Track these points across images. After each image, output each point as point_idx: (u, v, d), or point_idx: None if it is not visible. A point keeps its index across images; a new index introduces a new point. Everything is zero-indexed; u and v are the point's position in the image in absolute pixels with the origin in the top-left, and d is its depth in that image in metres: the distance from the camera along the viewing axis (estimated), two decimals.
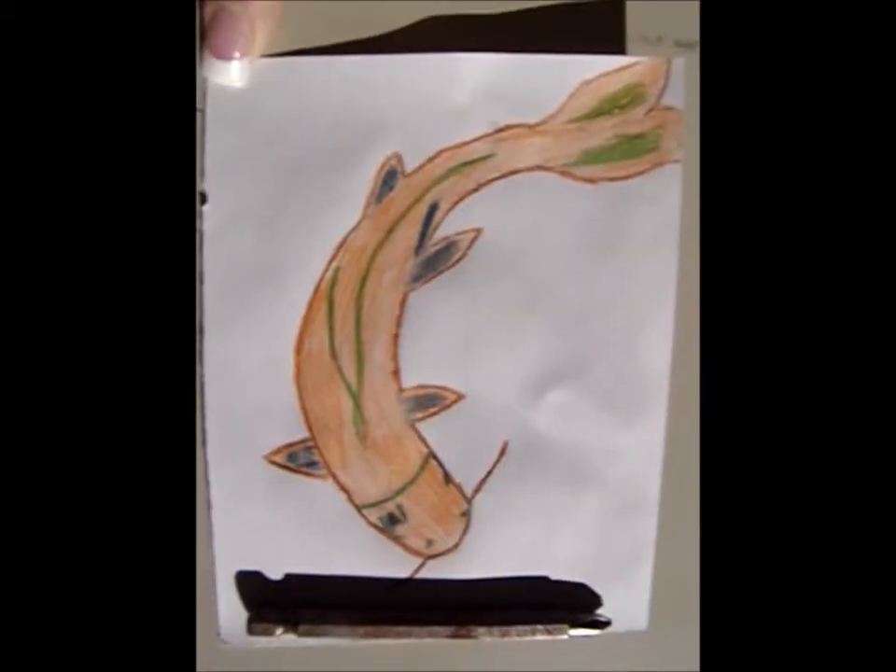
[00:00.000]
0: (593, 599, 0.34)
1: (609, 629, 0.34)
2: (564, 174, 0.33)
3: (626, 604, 0.34)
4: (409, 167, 0.33)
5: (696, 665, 0.35)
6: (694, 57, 0.33)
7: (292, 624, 0.33)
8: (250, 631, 0.33)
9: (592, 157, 0.33)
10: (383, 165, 0.32)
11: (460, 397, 0.33)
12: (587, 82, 0.32)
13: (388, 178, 0.33)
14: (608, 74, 0.32)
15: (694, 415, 0.34)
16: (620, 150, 0.33)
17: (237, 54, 0.31)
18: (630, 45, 0.33)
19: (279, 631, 0.33)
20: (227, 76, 0.32)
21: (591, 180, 0.33)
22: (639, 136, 0.33)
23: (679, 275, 0.33)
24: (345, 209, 0.32)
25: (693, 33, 0.33)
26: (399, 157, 0.32)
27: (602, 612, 0.34)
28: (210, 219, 0.32)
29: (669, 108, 0.32)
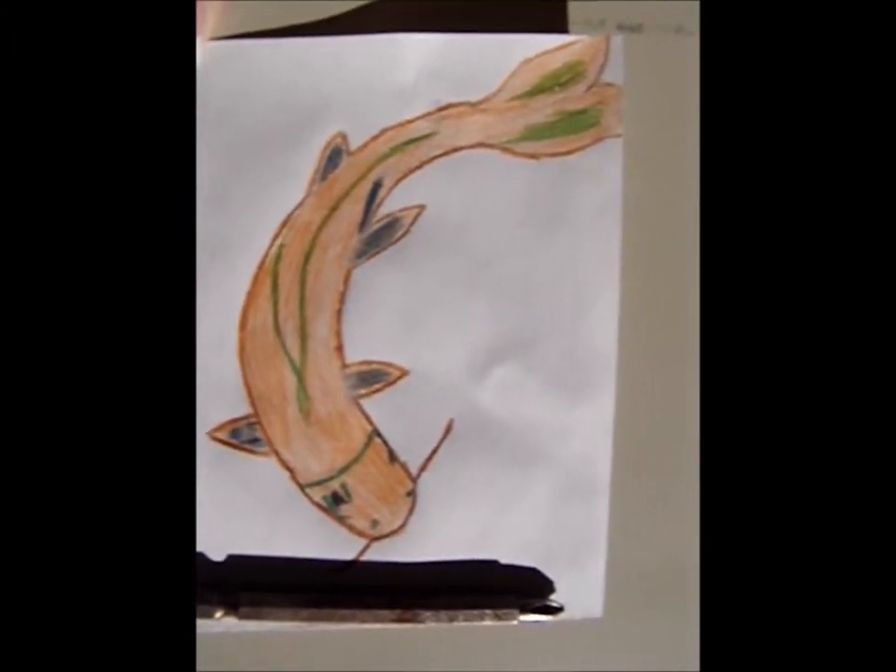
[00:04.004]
0: (545, 584, 0.33)
1: (561, 616, 0.33)
2: (506, 150, 0.33)
3: (580, 589, 0.33)
4: (353, 145, 0.33)
5: (655, 654, 0.34)
6: (638, 38, 0.34)
7: (232, 607, 0.32)
8: None
9: (534, 133, 0.33)
10: (328, 144, 0.33)
11: (405, 373, 0.33)
12: (528, 60, 0.33)
13: (333, 156, 0.33)
14: (548, 52, 0.33)
15: (651, 394, 0.34)
16: (561, 126, 0.33)
17: None
18: (573, 28, 0.34)
19: (219, 613, 0.32)
20: None
21: (533, 156, 0.33)
22: (580, 112, 0.33)
23: (624, 250, 0.33)
24: (290, 187, 0.33)
25: (636, 16, 0.34)
26: (343, 136, 0.33)
27: (555, 598, 0.33)
28: None
29: (609, 85, 0.33)
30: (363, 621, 0.32)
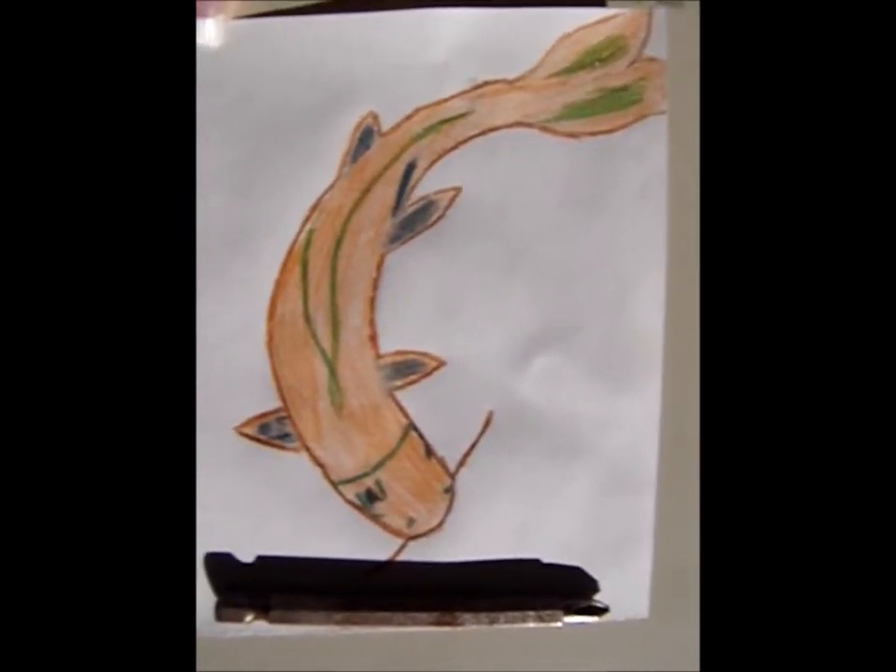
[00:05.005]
0: (589, 584, 0.32)
1: (606, 616, 0.32)
2: (544, 129, 0.32)
3: (625, 589, 0.32)
4: (385, 126, 0.32)
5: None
6: (679, 10, 0.32)
7: (263, 610, 0.31)
8: (219, 617, 0.31)
9: (573, 111, 0.32)
10: (358, 125, 0.32)
11: (441, 363, 0.31)
12: (567, 35, 0.31)
13: (364, 137, 0.32)
14: (587, 26, 0.31)
15: (695, 386, 0.32)
16: (602, 104, 0.32)
17: (211, 13, 0.31)
18: (611, 5, 0.33)
19: (249, 617, 0.31)
20: (201, 35, 0.31)
21: (573, 135, 0.32)
22: (622, 89, 0.32)
23: (670, 231, 0.31)
24: (320, 169, 0.31)
25: None
26: (375, 116, 0.32)
27: (599, 598, 0.32)
28: None
29: (652, 59, 0.31)
30: (399, 624, 0.31)
